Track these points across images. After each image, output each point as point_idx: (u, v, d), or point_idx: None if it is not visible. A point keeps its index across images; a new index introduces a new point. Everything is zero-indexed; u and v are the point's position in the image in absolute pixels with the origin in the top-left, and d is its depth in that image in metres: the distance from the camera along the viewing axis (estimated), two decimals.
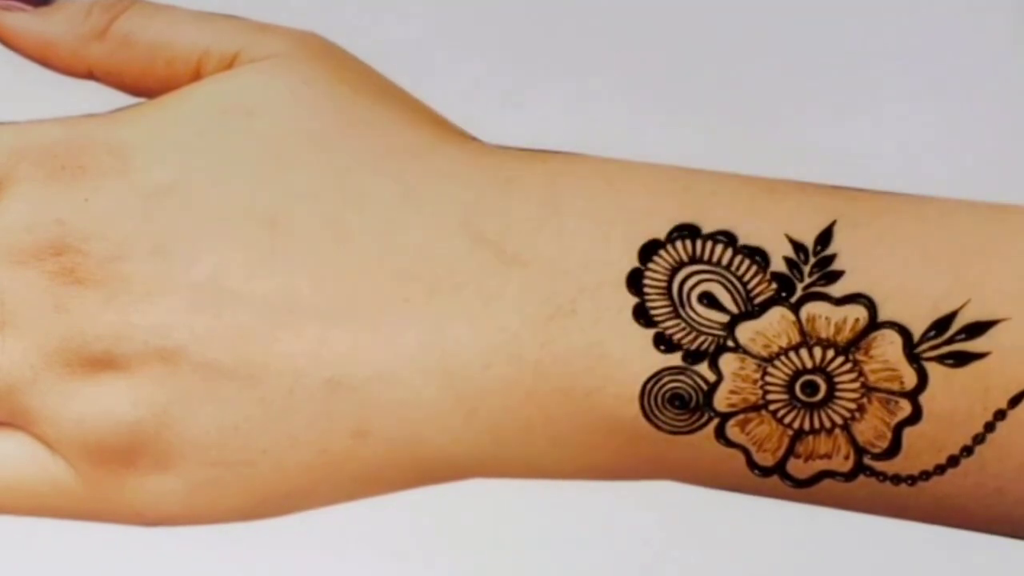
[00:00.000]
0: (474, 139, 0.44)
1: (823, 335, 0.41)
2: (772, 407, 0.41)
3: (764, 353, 0.41)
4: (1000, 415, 0.40)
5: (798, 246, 0.41)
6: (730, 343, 0.41)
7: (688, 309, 0.41)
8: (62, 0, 0.45)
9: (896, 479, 0.41)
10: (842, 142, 0.42)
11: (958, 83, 0.42)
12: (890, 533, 0.41)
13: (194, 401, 0.41)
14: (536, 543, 0.42)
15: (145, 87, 0.45)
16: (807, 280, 0.41)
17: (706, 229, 0.41)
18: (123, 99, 0.45)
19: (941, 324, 0.40)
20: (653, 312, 0.41)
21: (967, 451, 0.40)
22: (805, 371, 0.41)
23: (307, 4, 0.45)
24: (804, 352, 0.41)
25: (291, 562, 0.42)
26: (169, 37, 0.44)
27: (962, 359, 0.40)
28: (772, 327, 0.41)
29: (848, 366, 0.40)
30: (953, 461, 0.40)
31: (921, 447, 0.40)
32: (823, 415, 0.41)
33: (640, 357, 0.41)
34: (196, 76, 0.44)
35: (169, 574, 0.42)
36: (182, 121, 0.43)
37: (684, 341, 0.41)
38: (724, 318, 0.41)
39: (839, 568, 0.41)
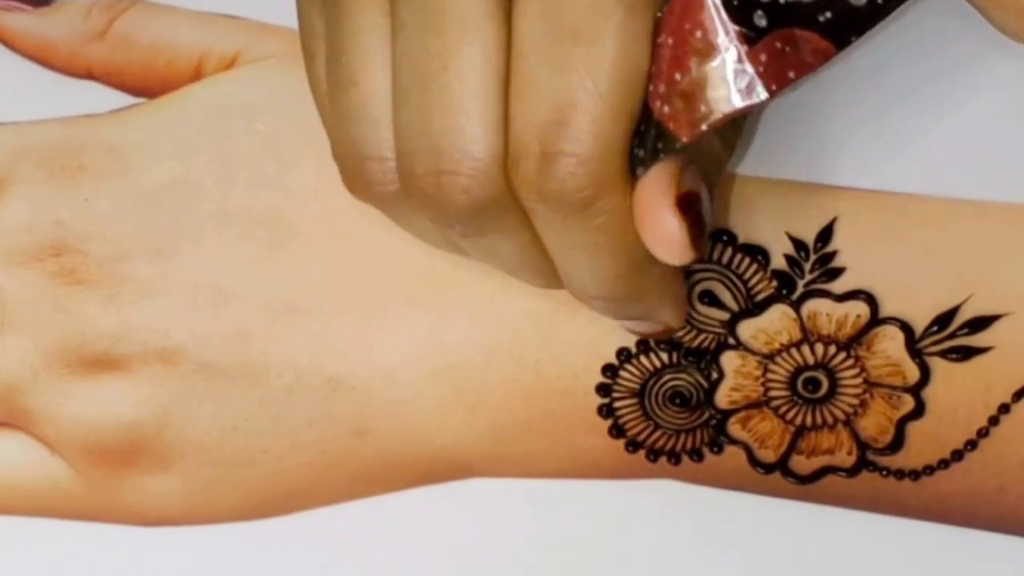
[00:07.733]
0: None
1: (824, 332, 0.41)
2: (774, 404, 0.41)
3: (765, 350, 0.41)
4: (1003, 409, 0.40)
5: (799, 243, 0.41)
6: (731, 341, 0.41)
7: (689, 307, 0.41)
8: (62, 0, 0.45)
9: (899, 474, 0.41)
10: (843, 142, 0.42)
11: (958, 82, 0.42)
12: (891, 534, 0.41)
13: (194, 401, 0.41)
14: (536, 543, 0.42)
15: (145, 87, 0.45)
16: (808, 277, 0.41)
17: None
18: (123, 99, 0.45)
19: (943, 319, 0.40)
20: None
21: (970, 445, 0.40)
22: (807, 367, 0.41)
23: None
24: (806, 349, 0.41)
25: (291, 562, 0.42)
26: (169, 37, 0.44)
27: (965, 354, 0.40)
28: (773, 324, 0.41)
29: (850, 362, 0.40)
30: (956, 456, 0.40)
31: (924, 442, 0.40)
32: (825, 411, 0.41)
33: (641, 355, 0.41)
34: (196, 76, 0.44)
35: (169, 574, 0.42)
36: (182, 121, 0.43)
37: (685, 339, 0.41)
38: (725, 316, 0.41)
39: (839, 568, 0.41)
